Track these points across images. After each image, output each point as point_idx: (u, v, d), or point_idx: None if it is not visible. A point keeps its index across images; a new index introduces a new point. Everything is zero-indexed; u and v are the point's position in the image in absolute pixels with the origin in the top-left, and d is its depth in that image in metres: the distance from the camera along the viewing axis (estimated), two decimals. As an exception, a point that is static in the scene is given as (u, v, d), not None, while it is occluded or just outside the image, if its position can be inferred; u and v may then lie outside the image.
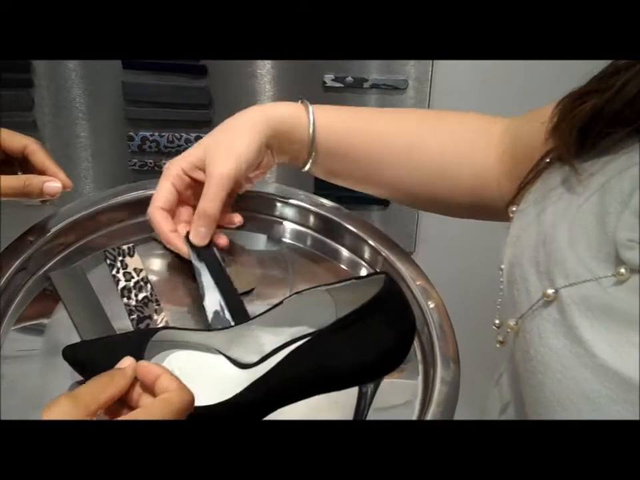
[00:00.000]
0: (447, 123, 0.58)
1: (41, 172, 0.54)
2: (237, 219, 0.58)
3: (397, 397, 0.52)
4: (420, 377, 0.53)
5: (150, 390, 0.37)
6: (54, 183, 0.54)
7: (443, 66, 0.88)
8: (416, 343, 0.55)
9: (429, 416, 0.48)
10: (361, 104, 0.90)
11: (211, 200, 0.52)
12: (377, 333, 0.42)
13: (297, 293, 0.44)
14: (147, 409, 0.36)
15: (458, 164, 0.56)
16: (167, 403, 0.35)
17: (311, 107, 0.56)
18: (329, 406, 0.49)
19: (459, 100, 0.89)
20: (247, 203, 0.62)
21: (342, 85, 0.90)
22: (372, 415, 0.48)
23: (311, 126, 0.55)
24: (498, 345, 0.45)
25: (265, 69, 0.89)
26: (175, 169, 0.54)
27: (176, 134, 0.93)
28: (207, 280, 0.54)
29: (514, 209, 0.46)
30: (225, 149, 0.53)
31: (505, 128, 0.56)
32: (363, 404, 0.46)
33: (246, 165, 0.53)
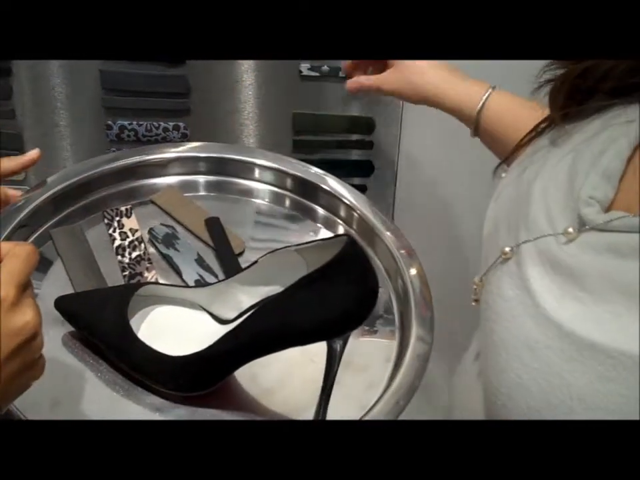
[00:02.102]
0: None
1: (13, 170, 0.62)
2: None
3: (374, 358, 0.59)
4: (396, 341, 0.60)
5: None
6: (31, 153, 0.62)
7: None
8: (395, 308, 0.62)
9: (402, 369, 0.54)
10: (337, 93, 0.98)
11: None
12: (338, 291, 0.48)
13: (269, 252, 0.51)
14: (2, 268, 0.41)
15: None
16: (15, 256, 0.42)
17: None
18: (305, 363, 0.56)
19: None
20: (228, 168, 0.71)
21: (318, 74, 0.97)
22: (349, 374, 0.54)
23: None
24: (473, 304, 0.51)
25: (242, 58, 0.96)
26: None
27: (154, 123, 1.00)
28: (178, 261, 0.62)
29: (503, 174, 0.52)
30: None
31: None
32: (332, 359, 0.53)
33: None
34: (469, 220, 0.98)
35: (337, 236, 0.50)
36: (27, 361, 0.41)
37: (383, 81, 0.72)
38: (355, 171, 1.03)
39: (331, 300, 0.48)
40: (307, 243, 0.50)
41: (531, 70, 0.50)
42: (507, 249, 0.44)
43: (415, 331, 0.57)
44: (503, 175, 0.52)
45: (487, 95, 0.66)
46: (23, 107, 0.97)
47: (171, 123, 0.99)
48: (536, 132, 0.51)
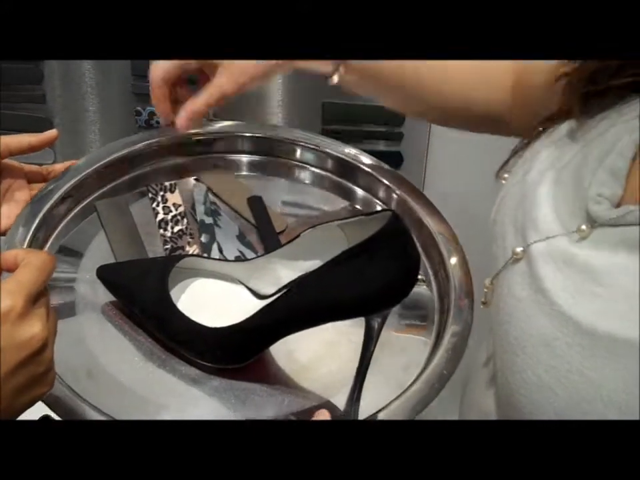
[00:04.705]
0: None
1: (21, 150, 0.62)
2: None
3: (411, 341, 0.59)
4: (434, 325, 0.60)
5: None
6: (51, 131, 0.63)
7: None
8: (434, 293, 0.63)
9: (435, 360, 0.55)
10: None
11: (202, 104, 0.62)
12: (379, 266, 0.48)
13: (311, 227, 0.52)
14: (13, 277, 0.41)
15: (477, 89, 0.62)
16: (28, 265, 0.41)
17: None
18: (342, 341, 0.57)
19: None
20: (268, 148, 0.73)
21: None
22: (385, 355, 0.54)
23: None
24: (482, 306, 0.52)
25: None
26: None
27: (183, 110, 1.01)
28: (220, 237, 0.63)
29: (505, 175, 0.52)
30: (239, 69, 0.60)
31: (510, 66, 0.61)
32: (370, 337, 0.54)
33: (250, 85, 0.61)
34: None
35: (380, 211, 0.51)
36: (33, 374, 0.41)
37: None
38: (384, 162, 1.04)
39: (370, 275, 0.48)
40: (349, 217, 0.51)
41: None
42: (519, 250, 0.45)
43: (452, 317, 0.58)
44: (505, 175, 0.52)
45: None
46: (54, 91, 0.99)
47: (200, 110, 1.01)
48: (535, 134, 0.51)
